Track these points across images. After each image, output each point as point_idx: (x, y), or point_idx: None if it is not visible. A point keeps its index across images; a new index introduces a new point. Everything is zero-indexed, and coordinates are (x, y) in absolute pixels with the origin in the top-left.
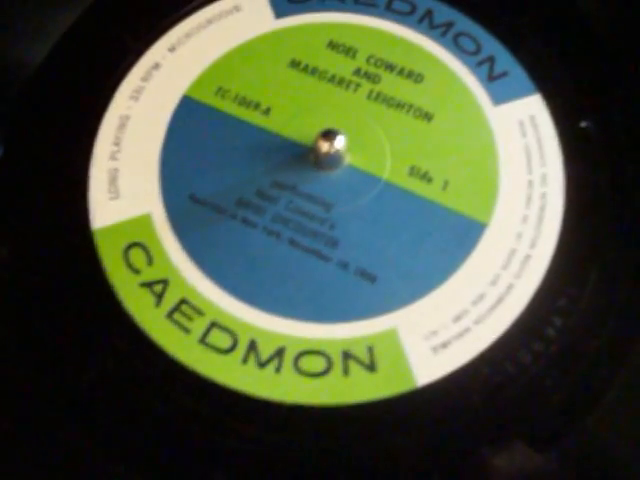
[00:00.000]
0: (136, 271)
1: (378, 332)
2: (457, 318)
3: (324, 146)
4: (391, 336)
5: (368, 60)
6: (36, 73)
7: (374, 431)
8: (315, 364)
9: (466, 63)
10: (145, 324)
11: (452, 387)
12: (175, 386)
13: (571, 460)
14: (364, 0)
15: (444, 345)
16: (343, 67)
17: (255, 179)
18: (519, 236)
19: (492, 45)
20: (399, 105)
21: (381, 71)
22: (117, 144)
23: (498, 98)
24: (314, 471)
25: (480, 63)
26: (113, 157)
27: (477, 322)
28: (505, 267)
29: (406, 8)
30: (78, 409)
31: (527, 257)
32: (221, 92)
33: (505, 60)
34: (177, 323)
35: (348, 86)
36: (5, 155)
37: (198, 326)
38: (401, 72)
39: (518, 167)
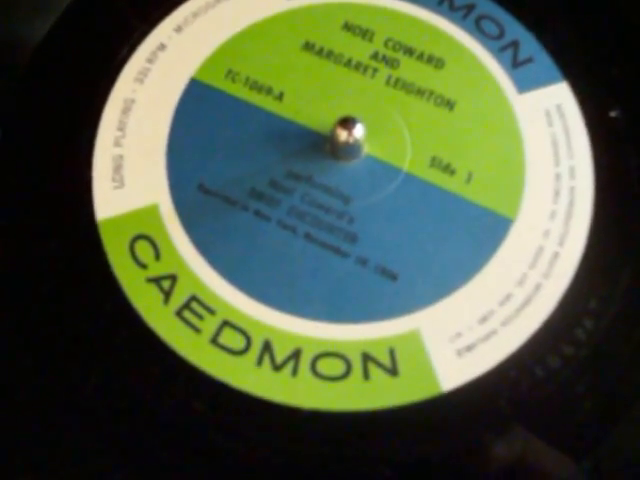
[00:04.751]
0: (143, 265)
1: (400, 333)
2: (483, 319)
3: (342, 134)
4: (414, 338)
5: (386, 43)
6: (35, 53)
7: (396, 439)
8: (333, 367)
9: (489, 48)
10: (153, 322)
11: (478, 392)
12: (185, 389)
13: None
14: None
15: (469, 348)
16: (360, 50)
17: (268, 169)
18: (547, 233)
19: (516, 29)
20: (419, 92)
21: (400, 55)
22: (121, 129)
23: (523, 85)
24: (331, 478)
25: (503, 48)
26: (117, 143)
27: (504, 324)
28: (533, 266)
29: None
30: (83, 410)
31: (555, 255)
32: (231, 75)
33: (530, 45)
34: (187, 322)
35: (365, 71)
36: (4, 140)
37: (209, 325)
38: (421, 57)
39: (545, 159)
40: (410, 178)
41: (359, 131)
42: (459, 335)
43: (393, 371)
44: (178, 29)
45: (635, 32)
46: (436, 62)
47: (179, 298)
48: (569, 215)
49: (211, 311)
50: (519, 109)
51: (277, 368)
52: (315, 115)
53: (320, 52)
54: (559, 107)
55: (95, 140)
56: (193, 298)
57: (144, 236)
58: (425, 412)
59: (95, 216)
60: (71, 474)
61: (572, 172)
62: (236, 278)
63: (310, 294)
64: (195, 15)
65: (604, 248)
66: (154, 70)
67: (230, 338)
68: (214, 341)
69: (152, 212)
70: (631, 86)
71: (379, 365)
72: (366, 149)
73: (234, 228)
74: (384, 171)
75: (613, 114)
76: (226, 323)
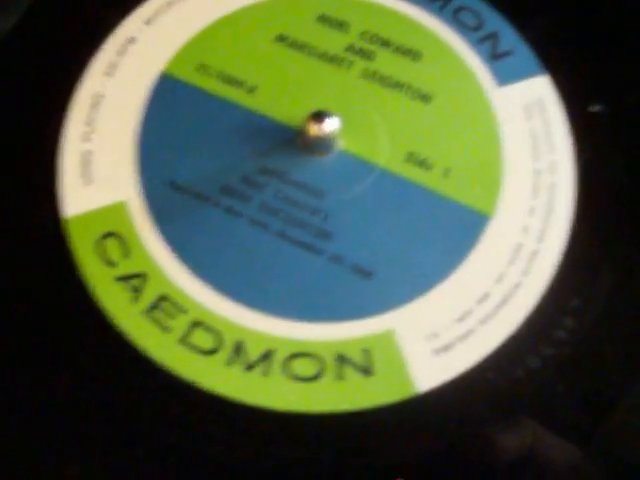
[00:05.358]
0: (111, 264)
1: (375, 333)
2: (460, 318)
3: (314, 129)
4: (389, 338)
5: (361, 36)
6: (1, 45)
7: (370, 441)
8: (306, 368)
9: (467, 40)
10: (121, 322)
11: (455, 394)
12: (154, 390)
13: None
14: None
15: (446, 348)
16: (334, 43)
17: (240, 164)
18: (526, 229)
19: (495, 20)
20: (395, 85)
21: (376, 48)
22: (90, 124)
23: (502, 78)
24: None
25: (482, 40)
26: (85, 138)
27: (482, 323)
28: (511, 263)
29: None
30: (49, 412)
31: (535, 252)
32: (202, 69)
33: (510, 37)
34: (156, 321)
35: (340, 64)
36: None
37: (179, 325)
38: (397, 49)
39: (524, 154)
40: (385, 173)
41: (330, 125)
42: (435, 335)
43: (367, 372)
44: (148, 21)
45: (617, 24)
46: (413, 55)
47: (148, 297)
48: (549, 211)
49: (181, 310)
50: (498, 103)
51: (249, 368)
52: (289, 109)
53: (294, 44)
54: (539, 101)
55: (63, 135)
56: (163, 297)
57: (113, 234)
58: (400, 414)
59: (62, 213)
60: (39, 477)
61: (552, 167)
62: (207, 276)
63: (283, 293)
64: (166, 7)
65: (585, 245)
66: (124, 64)
67: (200, 338)
68: (184, 341)
69: (121, 209)
70: (613, 79)
71: (353, 366)
72: (340, 144)
73: (205, 225)
74: (359, 166)
75: (595, 108)
76: (196, 323)
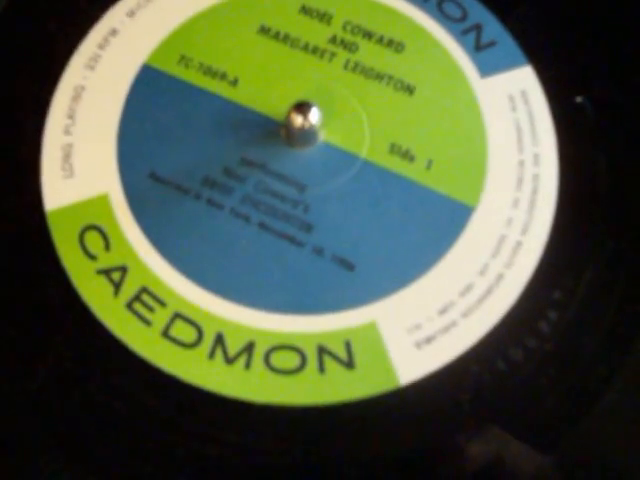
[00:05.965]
0: (92, 257)
1: (356, 325)
2: (443, 310)
3: (297, 120)
4: (371, 330)
5: (344, 27)
6: None
7: (352, 433)
8: (288, 360)
9: (451, 31)
10: (102, 315)
11: (437, 386)
12: (135, 382)
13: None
14: None
15: (428, 340)
16: (317, 34)
17: (222, 156)
18: (509, 221)
19: (479, 12)
20: (378, 76)
21: (359, 39)
22: (71, 117)
23: (486, 69)
24: (286, 476)
25: (466, 31)
26: (67, 131)
27: (464, 315)
28: (494, 255)
29: None
30: (31, 406)
31: (518, 244)
32: (184, 61)
33: (493, 28)
34: (137, 314)
35: (323, 55)
36: None
37: (160, 317)
38: (380, 40)
39: (508, 145)
40: (368, 165)
41: (314, 116)
42: (418, 327)
43: (349, 364)
44: (130, 13)
45: (601, 15)
46: (396, 46)
47: (129, 290)
48: (532, 203)
49: (162, 303)
50: (481, 94)
51: (230, 361)
52: (270, 101)
53: (276, 36)
54: (523, 92)
55: (44, 128)
56: (144, 290)
57: (94, 226)
58: (382, 406)
59: (44, 206)
60: (18, 473)
61: (536, 159)
62: (188, 269)
63: (264, 285)
64: None
65: (568, 237)
66: (105, 56)
67: (181, 331)
68: (165, 334)
69: (102, 202)
70: (597, 70)
71: (335, 358)
72: (323, 136)
73: (186, 217)
74: (341, 158)
75: (579, 99)
76: (177, 315)
